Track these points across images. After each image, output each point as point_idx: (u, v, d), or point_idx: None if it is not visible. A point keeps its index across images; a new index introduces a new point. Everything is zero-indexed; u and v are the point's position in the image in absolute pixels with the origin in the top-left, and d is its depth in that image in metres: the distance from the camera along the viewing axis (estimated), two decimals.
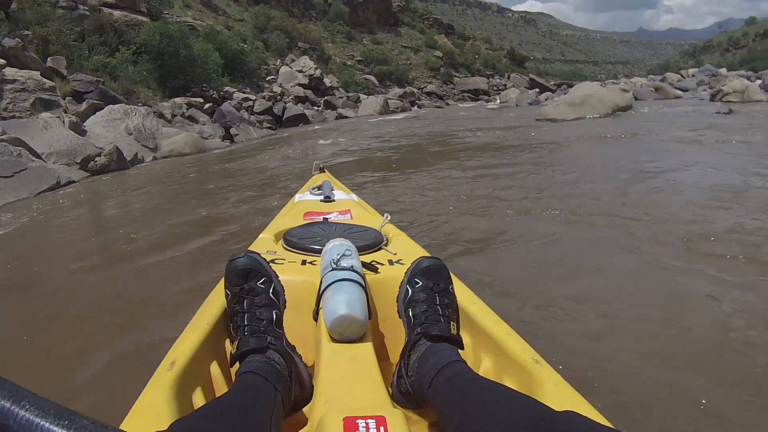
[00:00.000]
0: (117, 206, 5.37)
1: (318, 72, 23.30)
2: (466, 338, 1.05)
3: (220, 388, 0.98)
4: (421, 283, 1.01)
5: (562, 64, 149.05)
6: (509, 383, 0.90)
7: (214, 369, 1.00)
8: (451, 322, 0.96)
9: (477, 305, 1.12)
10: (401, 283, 1.06)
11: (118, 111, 9.47)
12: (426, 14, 61.88)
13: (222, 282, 1.05)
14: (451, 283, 1.04)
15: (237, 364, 0.91)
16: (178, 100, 13.75)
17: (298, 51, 28.25)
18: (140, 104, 12.83)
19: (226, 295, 1.02)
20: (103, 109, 9.62)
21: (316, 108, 20.72)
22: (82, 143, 7.54)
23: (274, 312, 0.98)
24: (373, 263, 1.28)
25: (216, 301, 1.11)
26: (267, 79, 22.26)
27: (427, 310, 0.97)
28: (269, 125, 16.79)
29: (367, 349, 0.97)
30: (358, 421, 0.68)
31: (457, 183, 4.97)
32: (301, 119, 17.67)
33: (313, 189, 2.31)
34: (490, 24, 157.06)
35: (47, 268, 3.37)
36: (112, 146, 7.67)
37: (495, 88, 44.69)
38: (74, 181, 6.64)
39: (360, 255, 1.25)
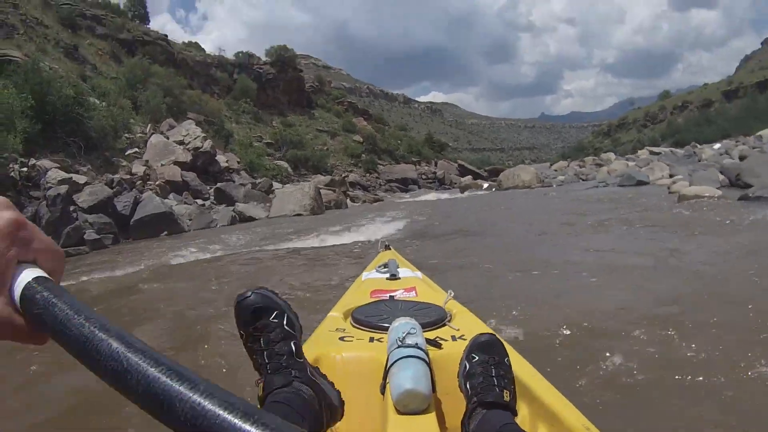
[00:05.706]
0: None
1: (208, 144, 15.77)
2: (523, 408, 1.14)
3: None
4: (477, 358, 1.09)
5: (470, 152, 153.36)
6: None
7: None
8: (505, 391, 1.03)
9: (535, 378, 1.21)
10: (461, 359, 1.14)
11: None
12: (341, 98, 57.65)
13: None
14: (507, 355, 1.12)
15: None
16: None
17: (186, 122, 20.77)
18: None
19: (241, 336, 1.01)
20: None
21: (199, 201, 13.15)
22: None
23: (292, 343, 0.97)
24: (437, 339, 1.34)
25: None
26: (128, 153, 14.55)
27: (483, 381, 1.05)
28: (103, 234, 9.03)
29: (430, 420, 1.02)
30: None
31: None
32: (164, 223, 9.97)
33: (379, 267, 2.36)
34: (398, 115, 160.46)
35: None
36: None
37: (424, 176, 39.72)
38: None
39: (424, 331, 1.30)
